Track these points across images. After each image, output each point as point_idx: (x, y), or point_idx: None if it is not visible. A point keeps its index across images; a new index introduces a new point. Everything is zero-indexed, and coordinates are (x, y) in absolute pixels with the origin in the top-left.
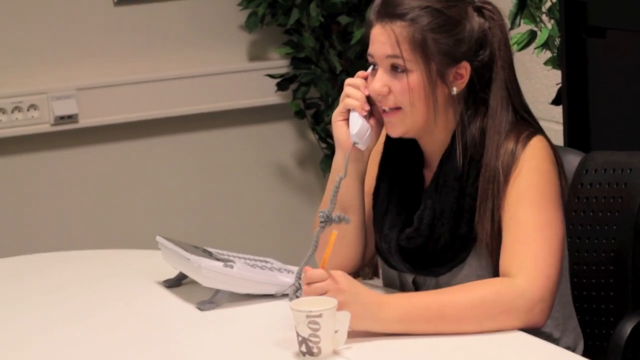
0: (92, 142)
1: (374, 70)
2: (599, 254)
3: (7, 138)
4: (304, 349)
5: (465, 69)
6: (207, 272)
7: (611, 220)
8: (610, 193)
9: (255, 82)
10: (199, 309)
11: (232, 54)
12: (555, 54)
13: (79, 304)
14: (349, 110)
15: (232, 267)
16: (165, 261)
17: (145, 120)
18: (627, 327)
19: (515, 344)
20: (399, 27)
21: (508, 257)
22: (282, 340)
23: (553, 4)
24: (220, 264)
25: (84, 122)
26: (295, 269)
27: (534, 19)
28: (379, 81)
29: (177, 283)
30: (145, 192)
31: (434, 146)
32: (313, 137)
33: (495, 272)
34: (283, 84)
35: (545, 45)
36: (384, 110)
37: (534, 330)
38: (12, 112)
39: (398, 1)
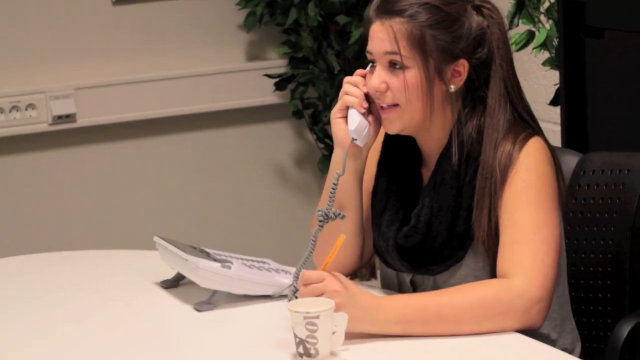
0: (90, 141)
1: (373, 67)
2: (597, 255)
3: (5, 137)
4: (301, 350)
5: (463, 67)
6: (204, 272)
7: (609, 221)
8: (608, 194)
9: (253, 81)
10: (197, 309)
11: (230, 53)
12: (553, 55)
13: (76, 305)
14: (347, 108)
15: (229, 267)
16: (163, 262)
17: (143, 119)
18: (625, 329)
19: (513, 345)
20: (397, 24)
21: (505, 257)
22: (280, 341)
23: (551, 5)
24: (218, 264)
25: (82, 121)
26: (293, 269)
27: (532, 19)
28: (377, 77)
29: (174, 284)
30: (142, 191)
31: (432, 144)
32: (311, 137)
33: (492, 272)
34: (281, 83)
35: (544, 45)
36: (381, 107)
37: (532, 332)
38: (10, 111)
39: None
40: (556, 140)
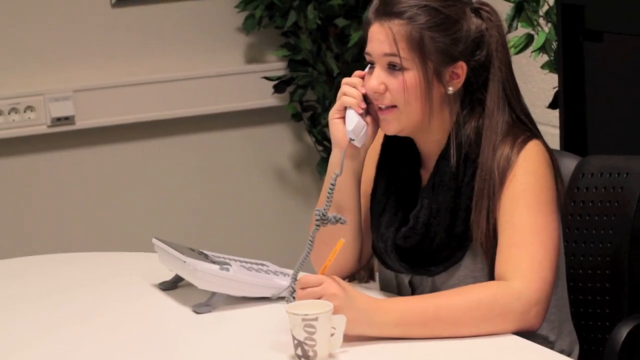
0: (88, 143)
1: (371, 69)
2: (595, 258)
3: (4, 139)
4: (299, 352)
5: (461, 69)
6: (203, 274)
7: (607, 224)
8: (607, 197)
9: (252, 84)
10: (195, 311)
11: (229, 56)
12: (552, 58)
13: (76, 306)
14: (345, 108)
15: (228, 270)
16: (162, 264)
17: (142, 122)
18: (623, 332)
19: (511, 347)
20: (396, 26)
21: (504, 260)
22: (278, 344)
23: (550, 8)
24: (216, 266)
25: (80, 123)
26: (291, 272)
27: (531, 23)
28: (376, 79)
29: (173, 286)
30: (141, 193)
31: (430, 146)
32: (310, 139)
33: (491, 274)
34: (280, 86)
35: (542, 48)
36: (379, 108)
37: (530, 333)
38: (9, 113)
39: (396, 0)
40: (555, 143)
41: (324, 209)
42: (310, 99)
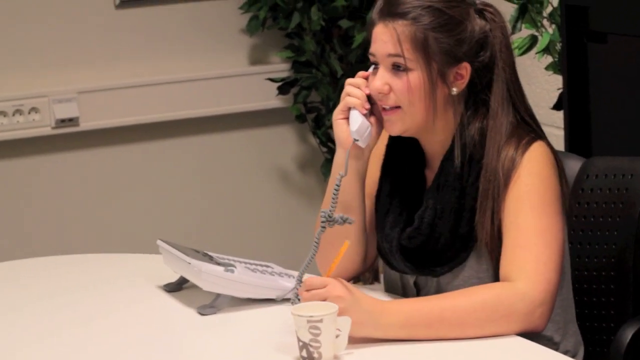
0: (93, 145)
1: (375, 69)
2: (600, 259)
3: (8, 141)
4: (304, 354)
5: (465, 70)
6: (207, 276)
7: (612, 225)
8: (611, 198)
9: (256, 85)
10: (200, 313)
11: (233, 57)
12: (556, 59)
13: (80, 308)
14: (349, 109)
15: (232, 271)
16: (166, 265)
17: (146, 123)
18: (628, 333)
19: (516, 349)
20: (401, 26)
21: (508, 261)
22: (283, 345)
23: (554, 9)
24: (221, 268)
25: (85, 125)
26: (296, 273)
27: (535, 24)
28: (380, 79)
29: (177, 287)
30: (145, 195)
31: (435, 146)
32: (314, 141)
33: (495, 275)
34: (284, 87)
35: (547, 50)
36: (383, 109)
37: (535, 334)
38: (14, 115)
39: (400, 0)
40: (559, 144)
41: (330, 210)
42: (315, 100)
